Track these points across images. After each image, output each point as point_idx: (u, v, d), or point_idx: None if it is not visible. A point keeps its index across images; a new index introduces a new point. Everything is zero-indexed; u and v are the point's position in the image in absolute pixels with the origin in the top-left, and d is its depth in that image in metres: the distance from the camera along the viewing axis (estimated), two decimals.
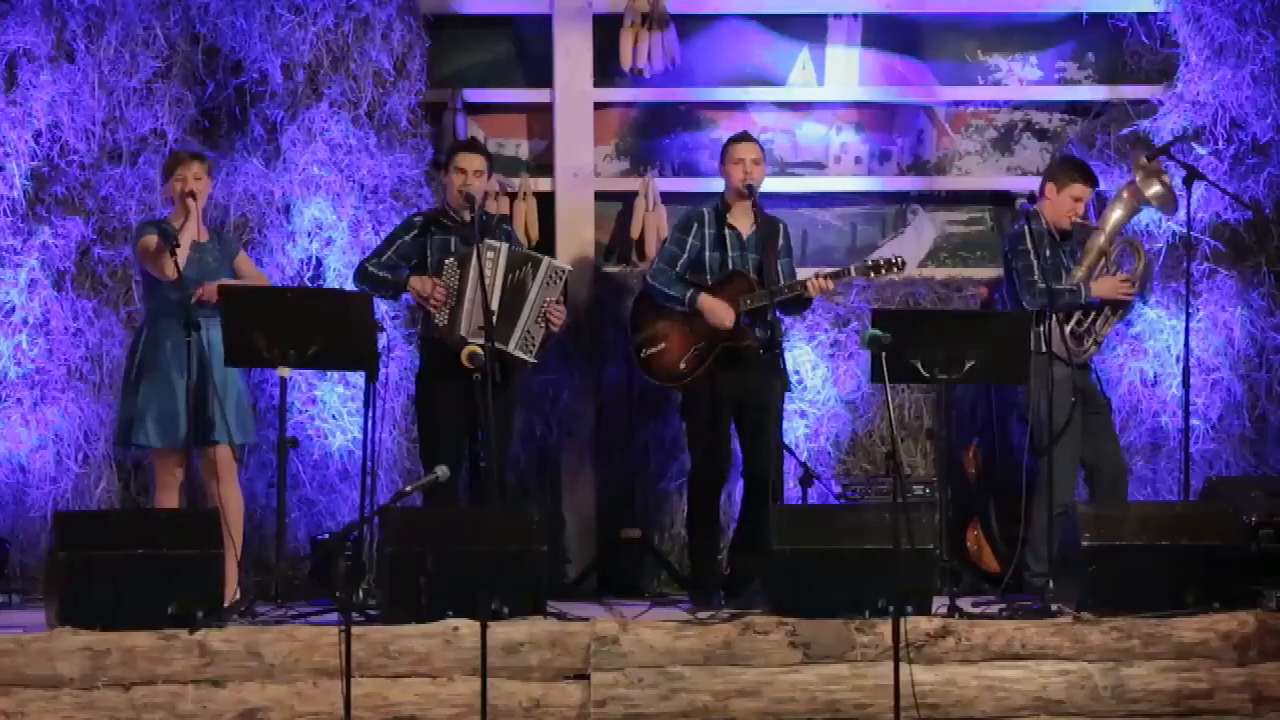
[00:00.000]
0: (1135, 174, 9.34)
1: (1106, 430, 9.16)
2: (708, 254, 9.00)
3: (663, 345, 8.99)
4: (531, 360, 8.78)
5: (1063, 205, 9.08)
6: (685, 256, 8.98)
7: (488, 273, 8.62)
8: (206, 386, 8.37)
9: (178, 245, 8.27)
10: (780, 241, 9.07)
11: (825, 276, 8.87)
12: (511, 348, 8.69)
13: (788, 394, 8.90)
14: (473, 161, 8.85)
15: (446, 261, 8.74)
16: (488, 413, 8.32)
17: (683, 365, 8.95)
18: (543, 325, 8.76)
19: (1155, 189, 9.29)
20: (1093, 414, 9.02)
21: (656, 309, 9.01)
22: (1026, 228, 8.94)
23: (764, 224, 8.98)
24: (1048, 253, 8.88)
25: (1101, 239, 9.21)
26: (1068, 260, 9.12)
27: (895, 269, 8.92)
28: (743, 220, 9.02)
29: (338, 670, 7.05)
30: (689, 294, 8.88)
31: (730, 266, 8.97)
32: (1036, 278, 8.81)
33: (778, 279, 8.89)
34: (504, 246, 8.78)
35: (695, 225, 9.01)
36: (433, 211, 9.06)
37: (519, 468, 9.63)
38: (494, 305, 8.55)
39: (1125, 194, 9.33)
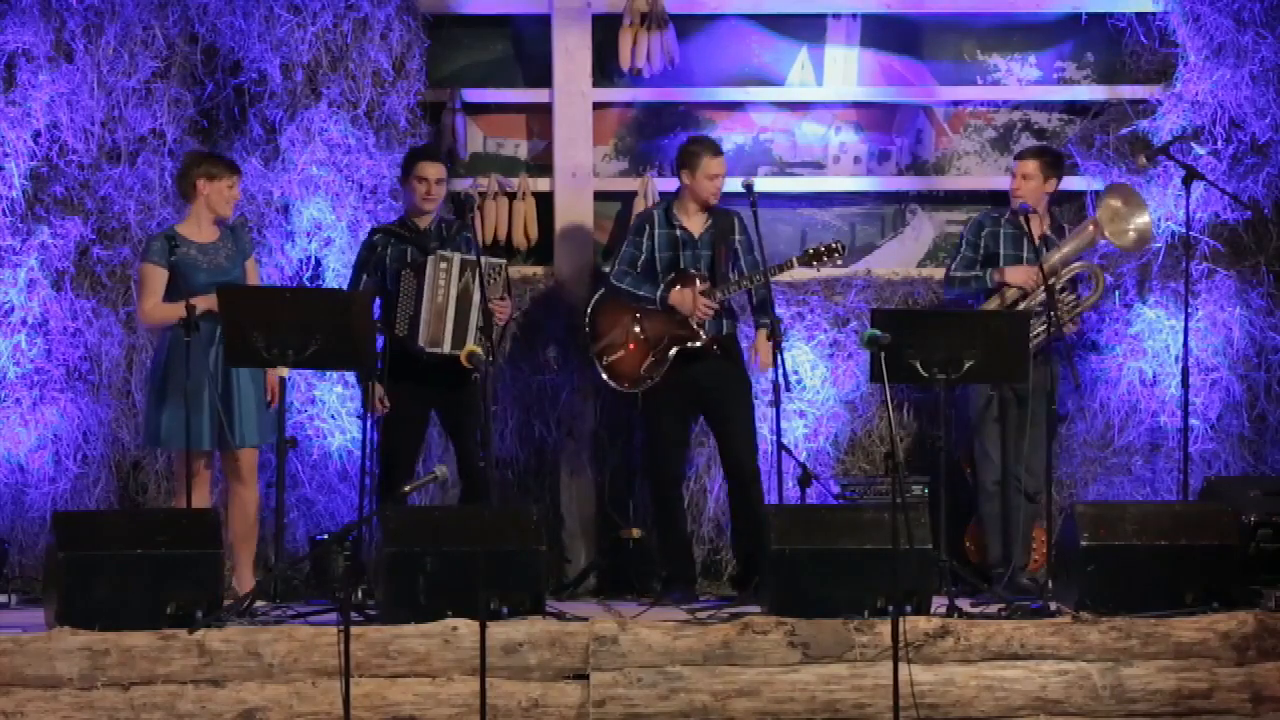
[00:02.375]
0: (1099, 212, 9.26)
1: (1021, 428, 9.08)
2: (658, 255, 9.11)
3: (621, 352, 9.09)
4: (494, 359, 8.80)
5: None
6: (643, 257, 9.12)
7: (442, 282, 8.66)
8: (229, 390, 8.40)
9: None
10: (737, 236, 9.13)
11: (770, 270, 8.93)
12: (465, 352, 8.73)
13: (786, 393, 8.92)
14: (434, 170, 8.89)
15: (403, 272, 8.76)
16: (488, 415, 8.31)
17: (643, 369, 9.02)
18: (494, 324, 8.77)
19: (1125, 236, 9.25)
20: (1019, 408, 9.03)
21: (611, 315, 9.13)
22: (974, 223, 9.21)
23: (716, 220, 9.07)
24: (989, 243, 9.15)
25: (1056, 257, 9.13)
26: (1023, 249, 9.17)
27: (837, 254, 8.98)
28: (694, 219, 9.09)
29: (337, 670, 7.06)
30: (660, 292, 9.01)
31: (682, 266, 9.04)
32: (951, 266, 9.21)
33: (730, 275, 8.99)
34: (456, 256, 8.77)
35: (646, 227, 9.16)
36: (390, 224, 9.06)
37: (519, 466, 9.66)
38: (450, 314, 8.64)
39: (1090, 228, 9.25)
